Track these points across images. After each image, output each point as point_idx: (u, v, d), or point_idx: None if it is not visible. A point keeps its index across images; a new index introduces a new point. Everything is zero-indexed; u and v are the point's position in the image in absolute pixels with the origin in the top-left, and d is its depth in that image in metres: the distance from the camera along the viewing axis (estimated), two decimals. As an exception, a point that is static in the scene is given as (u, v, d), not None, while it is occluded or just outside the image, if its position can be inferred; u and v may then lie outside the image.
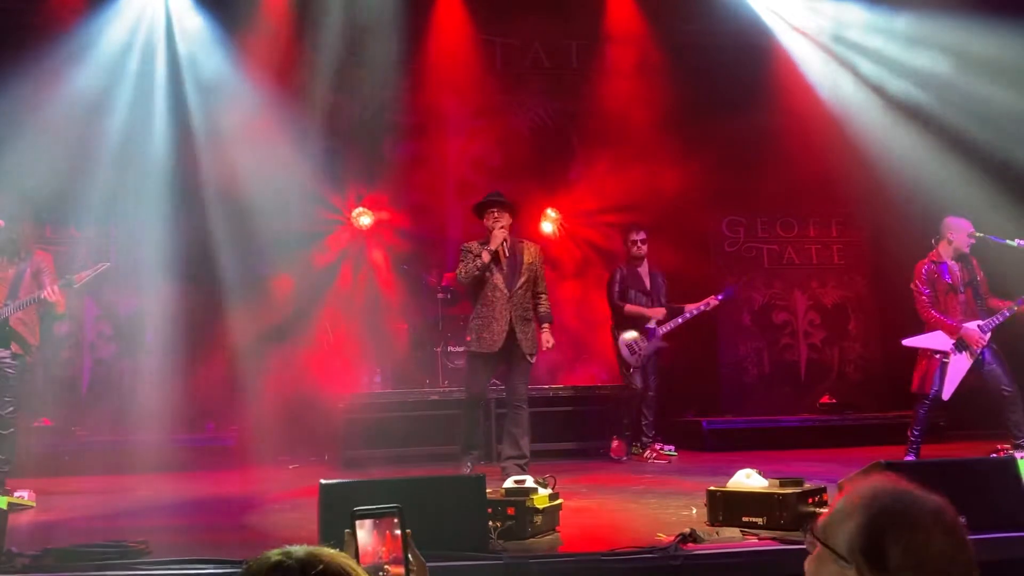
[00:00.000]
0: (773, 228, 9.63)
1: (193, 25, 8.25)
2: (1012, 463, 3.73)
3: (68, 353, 8.13)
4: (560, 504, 3.99)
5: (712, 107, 8.46)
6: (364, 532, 1.64)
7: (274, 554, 1.20)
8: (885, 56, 8.46)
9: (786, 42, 8.91)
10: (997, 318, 5.92)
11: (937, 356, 5.96)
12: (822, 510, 3.32)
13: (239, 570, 1.23)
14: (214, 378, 7.66)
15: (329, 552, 1.21)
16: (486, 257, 5.80)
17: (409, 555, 1.66)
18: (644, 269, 7.52)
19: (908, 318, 6.42)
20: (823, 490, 3.87)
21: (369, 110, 8.78)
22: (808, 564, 1.37)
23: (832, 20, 8.75)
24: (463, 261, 5.91)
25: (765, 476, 3.91)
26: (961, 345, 5.92)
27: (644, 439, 7.33)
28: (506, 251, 5.92)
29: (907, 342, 6.14)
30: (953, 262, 6.11)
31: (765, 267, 9.55)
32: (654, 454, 7.21)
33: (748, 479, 3.86)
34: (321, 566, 1.17)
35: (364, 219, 8.81)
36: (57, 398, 7.65)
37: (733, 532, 3.64)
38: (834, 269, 9.63)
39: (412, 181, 8.84)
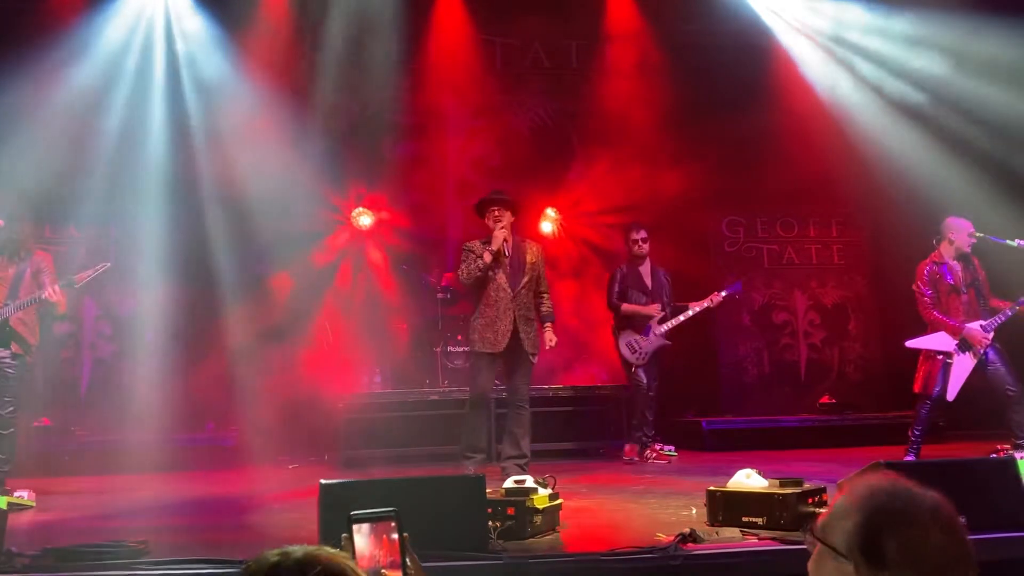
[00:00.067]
0: (773, 228, 9.63)
1: (193, 25, 8.26)
2: (1012, 463, 3.73)
3: (68, 353, 8.14)
4: (560, 504, 3.99)
5: (712, 107, 8.46)
6: (361, 536, 1.64)
7: (272, 555, 1.19)
8: (885, 56, 8.46)
9: (786, 42, 8.91)
10: (999, 318, 5.91)
11: (940, 357, 5.96)
12: (822, 510, 3.32)
13: (238, 570, 1.22)
14: (214, 378, 7.65)
15: (328, 552, 1.21)
16: (488, 258, 5.77)
17: (407, 559, 1.65)
18: (646, 268, 7.48)
19: (908, 318, 6.42)
20: (823, 490, 3.86)
21: (369, 110, 8.78)
22: (810, 564, 1.38)
23: (832, 20, 8.75)
24: (465, 261, 5.89)
25: (765, 476, 3.91)
26: (964, 346, 5.91)
27: (644, 439, 7.32)
28: (508, 251, 5.90)
29: (910, 344, 6.13)
30: (955, 262, 6.10)
31: (765, 267, 9.55)
32: (654, 454, 7.20)
33: (748, 479, 3.86)
34: (319, 567, 1.17)
35: (364, 219, 8.81)
36: (57, 398, 7.66)
37: (733, 532, 3.64)
38: (834, 269, 9.63)
39: (412, 181, 8.85)
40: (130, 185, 7.80)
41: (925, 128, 8.11)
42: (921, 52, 8.15)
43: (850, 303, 9.57)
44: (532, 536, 3.66)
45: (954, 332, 5.93)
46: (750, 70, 8.67)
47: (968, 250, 6.10)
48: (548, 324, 6.05)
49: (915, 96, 8.21)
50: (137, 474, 6.30)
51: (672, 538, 3.35)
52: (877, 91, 8.47)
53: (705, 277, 8.68)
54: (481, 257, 5.79)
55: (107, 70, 7.83)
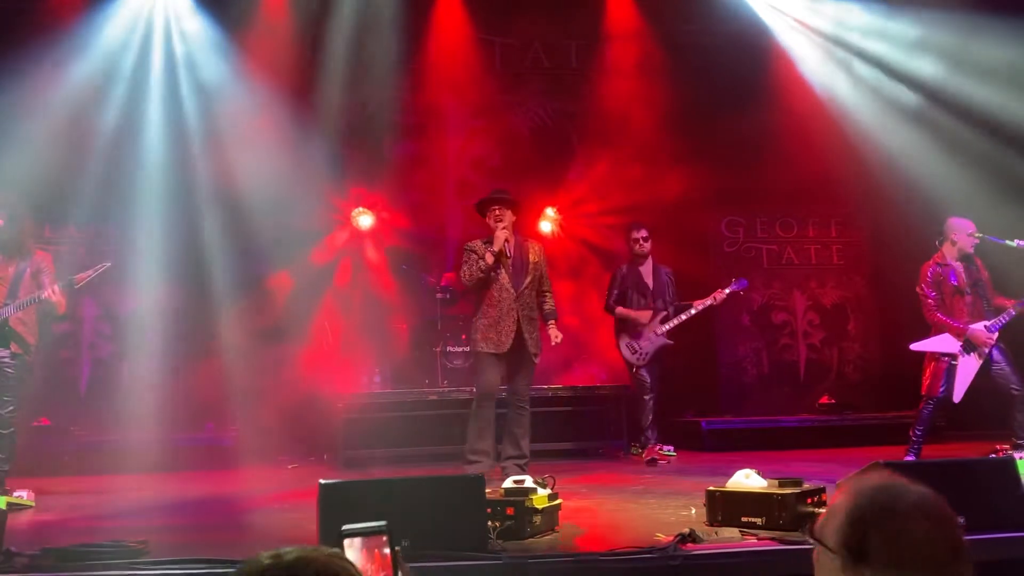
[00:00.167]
0: (772, 228, 9.63)
1: (193, 25, 8.25)
2: (1012, 463, 3.73)
3: (67, 353, 8.14)
4: (559, 504, 3.99)
5: (712, 107, 8.46)
6: (353, 551, 1.62)
7: (265, 557, 1.17)
8: (885, 56, 8.46)
9: (786, 42, 8.91)
10: (1003, 318, 5.89)
11: (945, 358, 5.94)
12: (821, 510, 3.32)
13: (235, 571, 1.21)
14: (213, 378, 7.65)
15: (324, 554, 1.18)
16: (490, 259, 5.75)
17: (399, 573, 1.64)
18: (647, 267, 7.48)
19: (908, 318, 6.42)
20: (822, 490, 3.87)
21: (369, 110, 8.78)
22: (815, 566, 1.39)
23: (832, 20, 8.75)
24: (467, 262, 5.86)
25: (764, 476, 3.91)
26: (969, 347, 5.90)
27: (643, 439, 7.33)
28: (510, 251, 5.87)
29: (915, 346, 6.11)
30: (958, 263, 6.08)
31: (764, 267, 9.55)
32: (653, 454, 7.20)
33: (747, 479, 3.86)
34: (311, 571, 1.15)
35: (364, 219, 8.80)
36: (56, 398, 7.65)
37: (732, 532, 3.64)
38: (833, 269, 9.63)
39: (412, 181, 8.85)
40: (130, 185, 7.79)
41: (925, 128, 8.11)
42: (921, 52, 8.15)
43: (849, 303, 9.57)
44: (531, 536, 3.66)
45: (958, 334, 5.92)
46: (750, 70, 8.67)
47: (971, 251, 6.09)
48: (551, 322, 6.04)
49: (915, 96, 8.21)
50: (136, 474, 6.29)
51: (671, 538, 3.35)
52: (876, 91, 8.47)
53: (705, 277, 8.65)
54: (483, 258, 5.77)
55: (107, 69, 7.82)
